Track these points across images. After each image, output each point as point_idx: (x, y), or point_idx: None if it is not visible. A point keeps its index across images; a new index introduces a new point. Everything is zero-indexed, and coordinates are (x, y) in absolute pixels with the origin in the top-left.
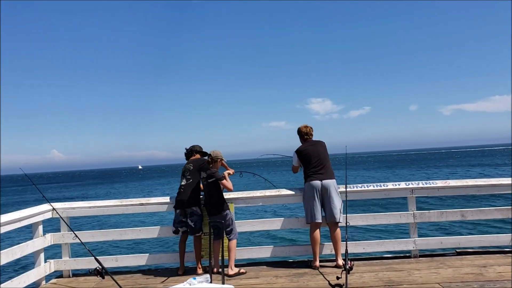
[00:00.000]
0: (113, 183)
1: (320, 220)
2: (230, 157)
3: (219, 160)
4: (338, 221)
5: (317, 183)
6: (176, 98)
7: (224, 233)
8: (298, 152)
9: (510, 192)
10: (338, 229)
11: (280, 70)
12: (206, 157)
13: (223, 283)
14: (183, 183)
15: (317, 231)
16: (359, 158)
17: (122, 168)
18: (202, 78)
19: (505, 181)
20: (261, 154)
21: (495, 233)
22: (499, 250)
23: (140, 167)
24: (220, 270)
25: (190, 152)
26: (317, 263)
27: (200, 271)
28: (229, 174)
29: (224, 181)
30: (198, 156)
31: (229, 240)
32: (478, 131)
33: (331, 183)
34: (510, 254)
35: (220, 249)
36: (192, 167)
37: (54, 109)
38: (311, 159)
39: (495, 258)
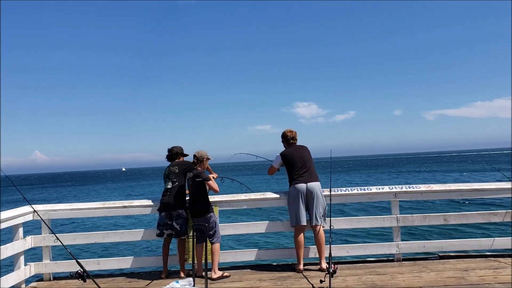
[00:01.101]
0: (94, 184)
1: (304, 224)
2: (215, 160)
3: (205, 159)
4: (322, 224)
5: (302, 186)
6: (162, 101)
7: (207, 236)
8: (283, 155)
9: (492, 196)
10: (322, 233)
11: (266, 74)
12: (187, 158)
13: (206, 286)
14: (169, 186)
15: (301, 234)
16: (343, 162)
17: (105, 170)
18: (188, 82)
19: (487, 185)
20: (234, 154)
21: (476, 238)
22: (481, 254)
23: (123, 169)
24: (203, 273)
25: (175, 154)
26: (301, 267)
27: (183, 274)
28: (213, 177)
29: (210, 182)
30: (182, 158)
31: (212, 243)
32: (460, 136)
33: (315, 186)
34: (492, 258)
35: (203, 253)
36: (177, 170)
37: (37, 111)
38: (296, 162)
39: (476, 262)
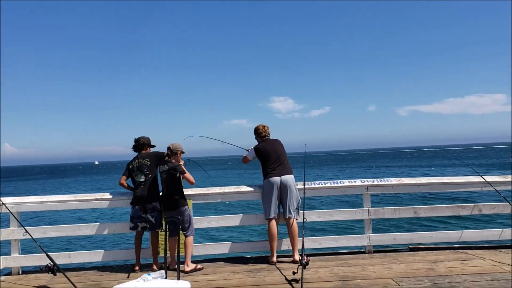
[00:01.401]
0: (65, 178)
1: (277, 216)
2: (189, 155)
3: (179, 152)
4: (295, 217)
5: (276, 179)
6: (137, 95)
7: (181, 229)
8: (257, 149)
9: (461, 190)
10: (295, 225)
11: (243, 68)
12: (156, 149)
13: (178, 279)
14: (141, 179)
15: (275, 227)
16: (316, 157)
17: (77, 163)
18: (164, 76)
19: (456, 179)
20: (187, 136)
21: (445, 230)
22: (449, 246)
23: (96, 162)
24: (176, 266)
25: (142, 145)
26: (274, 259)
27: (156, 267)
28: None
29: (186, 174)
30: (148, 149)
31: (186, 236)
32: (433, 132)
33: (289, 179)
34: (460, 250)
35: (176, 246)
36: (149, 162)
37: (6, 103)
38: (270, 156)
39: (445, 254)
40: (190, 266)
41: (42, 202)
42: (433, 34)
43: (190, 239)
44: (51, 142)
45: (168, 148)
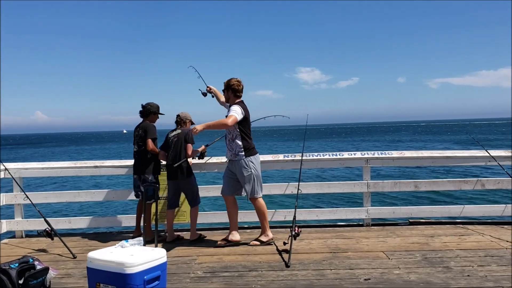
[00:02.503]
0: (91, 145)
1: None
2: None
3: (188, 121)
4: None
5: (259, 157)
6: (167, 65)
7: (189, 199)
8: (245, 110)
9: (464, 164)
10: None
11: (269, 39)
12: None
13: (156, 246)
14: (135, 149)
15: (263, 202)
16: (340, 129)
17: (105, 132)
18: (193, 47)
19: (459, 153)
20: (189, 66)
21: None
22: (451, 221)
23: (124, 131)
24: (172, 237)
25: (145, 112)
26: (271, 235)
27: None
28: (203, 149)
29: (189, 144)
30: (156, 117)
31: (192, 207)
32: (464, 104)
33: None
34: (460, 225)
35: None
36: (143, 134)
37: (41, 71)
38: (249, 125)
39: (444, 228)
40: (194, 235)
41: (43, 168)
42: (466, 6)
43: (196, 209)
44: (80, 110)
45: (178, 116)
